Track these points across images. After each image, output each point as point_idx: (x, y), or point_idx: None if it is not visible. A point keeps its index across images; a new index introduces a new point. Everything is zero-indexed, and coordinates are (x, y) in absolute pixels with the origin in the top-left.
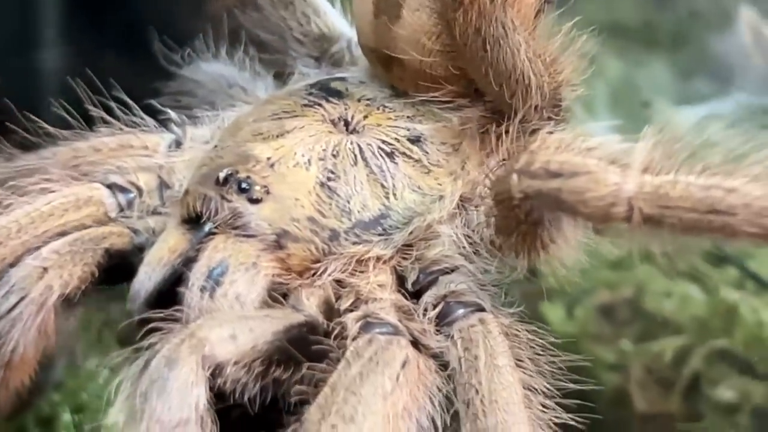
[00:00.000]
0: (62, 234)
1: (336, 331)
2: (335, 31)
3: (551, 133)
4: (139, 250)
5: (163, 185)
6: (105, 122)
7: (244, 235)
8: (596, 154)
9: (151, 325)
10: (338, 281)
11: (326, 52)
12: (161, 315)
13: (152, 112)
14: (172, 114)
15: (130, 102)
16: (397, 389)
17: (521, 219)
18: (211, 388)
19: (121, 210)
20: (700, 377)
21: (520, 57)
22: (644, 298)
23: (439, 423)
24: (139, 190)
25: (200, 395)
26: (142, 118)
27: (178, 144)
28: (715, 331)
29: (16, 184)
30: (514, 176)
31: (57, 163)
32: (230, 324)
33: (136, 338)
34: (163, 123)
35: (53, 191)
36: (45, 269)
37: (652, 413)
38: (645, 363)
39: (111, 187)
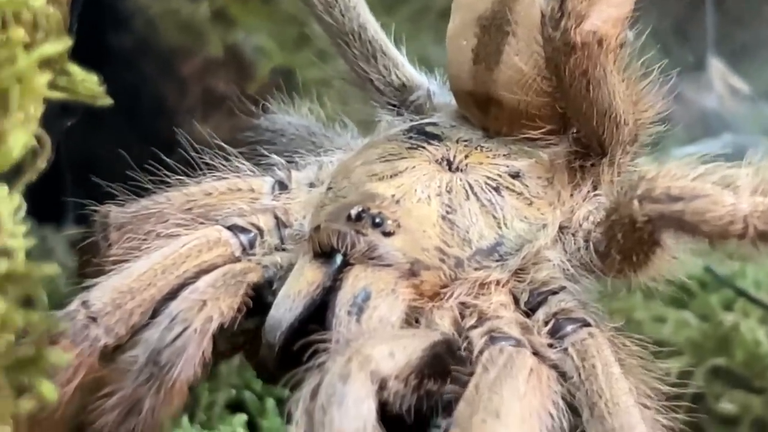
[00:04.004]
0: (199, 273)
1: (464, 346)
2: (414, 82)
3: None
4: (269, 285)
5: (281, 225)
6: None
7: (381, 265)
8: (708, 179)
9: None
10: (463, 303)
11: (405, 101)
12: (319, 338)
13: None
14: (276, 158)
15: (230, 149)
16: (529, 392)
17: (644, 240)
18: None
19: (244, 250)
20: (703, 394)
21: (616, 97)
22: (639, 325)
23: (565, 426)
24: (260, 230)
25: (371, 407)
26: (241, 163)
27: (281, 186)
28: (712, 351)
29: (151, 228)
30: (635, 202)
31: (171, 208)
32: (388, 342)
33: (275, 366)
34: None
35: (182, 234)
36: (204, 302)
37: None
38: None
39: (232, 228)
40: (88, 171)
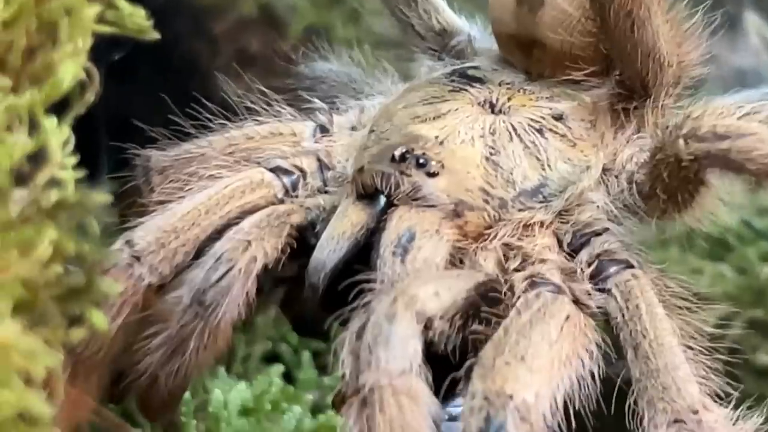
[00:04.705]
0: (242, 214)
1: (506, 289)
2: (454, 26)
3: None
4: (312, 227)
5: (323, 167)
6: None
7: (425, 206)
8: (755, 117)
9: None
10: (507, 244)
11: (446, 46)
12: (363, 278)
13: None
14: (318, 102)
15: (271, 93)
16: (561, 338)
17: (689, 179)
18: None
19: (287, 191)
20: (739, 345)
21: (660, 38)
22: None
23: (596, 375)
24: (302, 172)
25: (417, 347)
26: (282, 108)
27: (323, 130)
28: (749, 304)
29: (194, 170)
30: (681, 141)
31: (213, 151)
32: (433, 282)
33: (317, 308)
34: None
35: (224, 176)
36: (249, 242)
37: None
38: None
39: (274, 170)
40: (122, 129)
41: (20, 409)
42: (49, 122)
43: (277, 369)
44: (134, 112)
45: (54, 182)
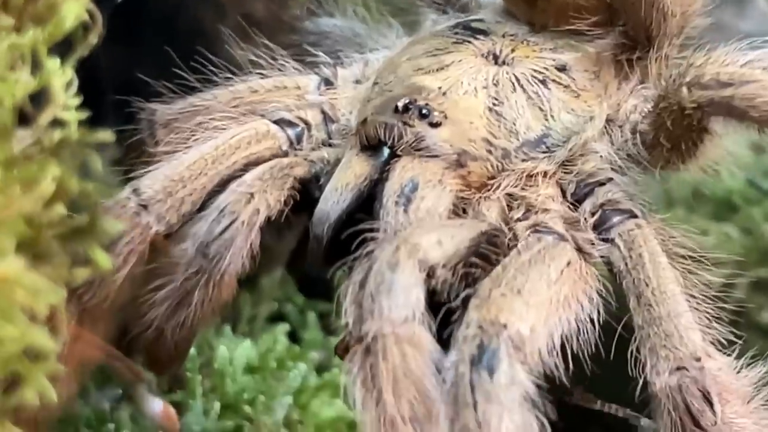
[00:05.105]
0: (247, 165)
1: (509, 238)
2: None
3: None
4: (316, 180)
5: (328, 120)
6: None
7: (429, 156)
8: (758, 65)
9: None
10: (510, 195)
11: (451, 0)
12: (367, 227)
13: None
14: (323, 56)
15: (276, 48)
16: (561, 281)
17: (693, 127)
18: None
19: (291, 144)
20: (744, 304)
21: None
22: None
23: (595, 321)
24: (307, 124)
25: (420, 295)
26: (287, 62)
27: (327, 83)
28: (755, 263)
29: (199, 122)
30: (684, 89)
31: (218, 104)
32: (436, 232)
33: (322, 260)
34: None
35: (230, 127)
36: (251, 194)
37: None
38: None
39: (279, 122)
40: (127, 94)
41: (24, 344)
42: (52, 63)
43: (283, 328)
44: (138, 79)
45: (57, 123)
